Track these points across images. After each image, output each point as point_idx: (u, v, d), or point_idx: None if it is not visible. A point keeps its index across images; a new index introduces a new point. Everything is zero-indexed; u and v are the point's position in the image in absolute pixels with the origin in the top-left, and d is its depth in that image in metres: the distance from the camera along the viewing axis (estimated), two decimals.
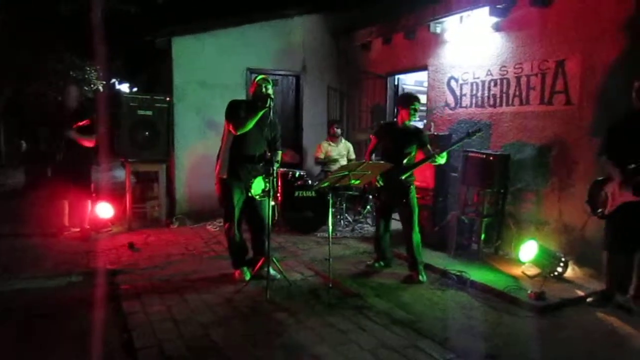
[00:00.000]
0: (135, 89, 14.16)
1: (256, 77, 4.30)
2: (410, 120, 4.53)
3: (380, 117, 7.29)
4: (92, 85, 11.33)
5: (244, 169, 4.21)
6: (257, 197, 4.21)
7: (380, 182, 4.50)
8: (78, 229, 5.97)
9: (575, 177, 4.65)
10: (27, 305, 3.78)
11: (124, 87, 16.08)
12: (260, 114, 4.03)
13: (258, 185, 4.20)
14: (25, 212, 6.85)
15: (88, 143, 5.78)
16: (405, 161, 4.47)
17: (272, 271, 4.14)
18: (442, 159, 4.35)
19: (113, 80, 15.98)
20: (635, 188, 3.52)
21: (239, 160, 4.20)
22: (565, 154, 4.75)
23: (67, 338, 3.24)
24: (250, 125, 4.05)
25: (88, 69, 11.02)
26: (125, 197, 6.53)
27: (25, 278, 4.37)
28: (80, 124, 5.72)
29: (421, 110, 7.23)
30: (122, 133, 6.36)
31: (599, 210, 3.83)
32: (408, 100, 4.52)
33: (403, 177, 4.43)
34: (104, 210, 6.30)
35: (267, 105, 4.03)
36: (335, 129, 6.87)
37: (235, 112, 4.15)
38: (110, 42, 9.31)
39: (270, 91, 4.13)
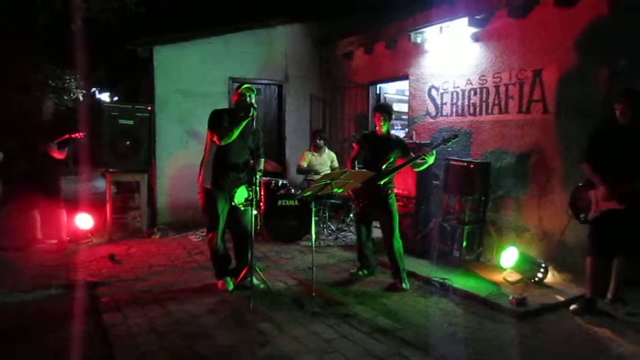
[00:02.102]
0: (116, 98, 13.99)
1: (239, 86, 4.30)
2: (383, 127, 4.60)
3: (362, 125, 7.35)
4: (71, 95, 11.14)
5: (227, 178, 4.19)
6: (240, 206, 4.20)
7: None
8: (55, 241, 5.85)
9: (554, 184, 4.74)
10: (5, 320, 3.69)
11: (105, 97, 15.86)
12: (244, 123, 4.03)
13: (241, 194, 4.21)
14: (1, 224, 6.69)
15: (59, 156, 5.70)
16: (384, 167, 4.52)
17: (255, 281, 4.13)
18: (431, 158, 4.40)
19: (93, 89, 15.75)
20: (619, 197, 3.61)
21: (222, 169, 4.18)
22: (544, 162, 4.84)
23: (47, 353, 3.17)
24: (235, 135, 4.05)
25: (67, 78, 10.83)
26: (105, 208, 6.44)
27: (2, 292, 4.27)
28: (59, 140, 5.62)
29: (402, 119, 7.37)
30: (102, 143, 6.29)
31: (581, 215, 3.92)
32: (379, 108, 4.72)
33: (382, 182, 4.47)
34: (84, 221, 6.20)
35: (251, 114, 4.03)
36: (318, 141, 6.89)
37: (219, 122, 4.13)
38: (90, 51, 9.19)
39: (253, 100, 4.13)
